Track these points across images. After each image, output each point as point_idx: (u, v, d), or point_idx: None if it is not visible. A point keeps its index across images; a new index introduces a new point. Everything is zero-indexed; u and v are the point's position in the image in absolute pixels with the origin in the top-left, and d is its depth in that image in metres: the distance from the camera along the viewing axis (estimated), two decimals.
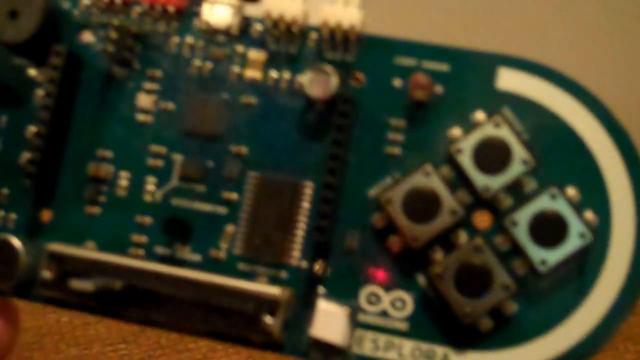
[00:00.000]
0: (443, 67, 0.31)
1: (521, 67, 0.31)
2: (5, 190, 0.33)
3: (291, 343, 0.31)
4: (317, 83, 0.31)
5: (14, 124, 0.33)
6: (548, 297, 0.31)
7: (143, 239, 0.32)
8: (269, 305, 0.30)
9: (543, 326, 0.31)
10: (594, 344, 0.30)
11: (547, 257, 0.30)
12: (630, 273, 0.30)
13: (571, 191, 0.31)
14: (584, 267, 0.31)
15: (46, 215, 0.33)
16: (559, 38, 0.65)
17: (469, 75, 0.31)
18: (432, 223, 0.30)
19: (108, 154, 0.33)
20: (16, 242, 0.31)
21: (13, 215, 0.33)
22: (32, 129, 0.33)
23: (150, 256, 0.32)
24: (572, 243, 0.30)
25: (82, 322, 1.17)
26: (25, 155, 0.32)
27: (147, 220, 0.32)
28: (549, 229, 0.30)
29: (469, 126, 0.31)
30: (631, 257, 0.30)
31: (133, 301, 0.30)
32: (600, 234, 0.30)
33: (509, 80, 0.31)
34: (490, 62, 0.31)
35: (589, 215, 0.30)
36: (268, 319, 0.30)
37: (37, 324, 1.13)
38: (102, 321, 1.18)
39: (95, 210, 0.33)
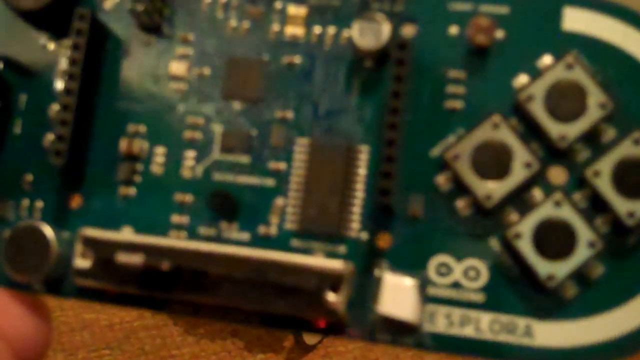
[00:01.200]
0: (502, 9, 0.29)
1: (588, 5, 0.29)
2: (29, 177, 0.30)
3: (356, 323, 0.28)
4: (368, 33, 0.28)
5: (34, 103, 0.30)
6: (638, 255, 0.28)
7: (184, 219, 0.29)
8: (332, 280, 0.27)
9: (633, 289, 0.28)
10: None
11: (636, 209, 0.27)
12: None
13: None
14: None
15: (76, 201, 0.30)
16: None
17: (531, 17, 0.29)
18: (505, 179, 0.27)
19: (141, 128, 0.30)
20: (47, 229, 0.28)
21: (40, 203, 0.30)
22: (55, 107, 0.30)
23: (194, 238, 0.29)
24: None
25: (68, 328, 1.16)
26: (49, 137, 0.30)
27: (188, 198, 0.29)
28: (636, 177, 0.27)
29: (536, 72, 0.28)
30: None
31: (181, 285, 0.27)
32: None
33: (575, 20, 0.28)
34: (554, 2, 0.29)
35: None
36: (331, 296, 0.27)
37: None
38: (88, 328, 1.18)
39: (131, 191, 0.29)
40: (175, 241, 0.28)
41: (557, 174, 0.28)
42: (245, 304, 0.27)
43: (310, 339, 1.15)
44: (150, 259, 0.27)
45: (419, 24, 0.29)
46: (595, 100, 0.27)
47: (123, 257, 0.27)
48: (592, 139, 0.28)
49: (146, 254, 0.27)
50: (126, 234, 0.28)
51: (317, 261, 0.27)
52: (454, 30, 0.29)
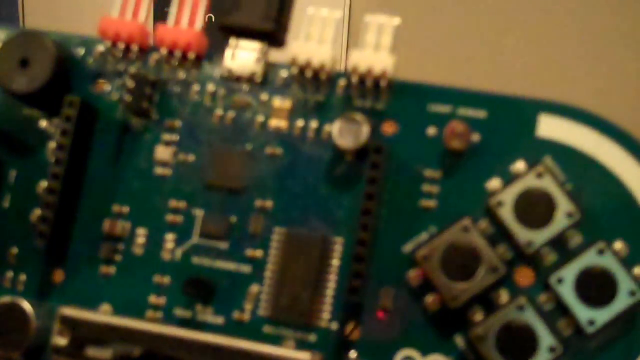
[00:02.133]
0: (480, 114, 0.30)
1: (564, 113, 0.30)
2: (14, 250, 0.31)
3: None
4: (347, 133, 0.29)
5: (24, 179, 0.31)
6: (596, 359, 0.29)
7: (162, 300, 0.30)
8: None
9: None
10: None
11: (595, 317, 0.28)
12: None
13: (619, 245, 0.29)
14: (633, 328, 0.29)
15: (58, 276, 0.31)
16: (601, 84, 0.63)
17: (507, 122, 0.30)
18: (472, 281, 0.29)
19: (125, 209, 0.31)
20: (26, 306, 0.29)
21: (23, 277, 0.31)
22: (43, 184, 0.31)
23: (170, 319, 0.30)
24: (622, 302, 0.28)
25: None
26: (37, 213, 0.31)
27: (166, 280, 0.30)
28: (596, 287, 0.28)
29: (509, 177, 0.29)
30: None
31: None
32: None
33: (550, 127, 0.30)
34: (530, 109, 0.30)
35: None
36: None
37: None
38: None
39: (111, 270, 0.30)
40: (149, 325, 0.29)
41: (524, 276, 0.29)
42: None
43: None
44: (120, 349, 0.28)
45: (399, 123, 0.30)
46: (564, 210, 0.28)
47: (93, 353, 0.28)
48: (559, 243, 0.29)
49: (119, 338, 0.28)
50: (102, 316, 0.29)
51: (285, 353, 0.28)
52: (432, 131, 0.30)
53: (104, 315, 0.29)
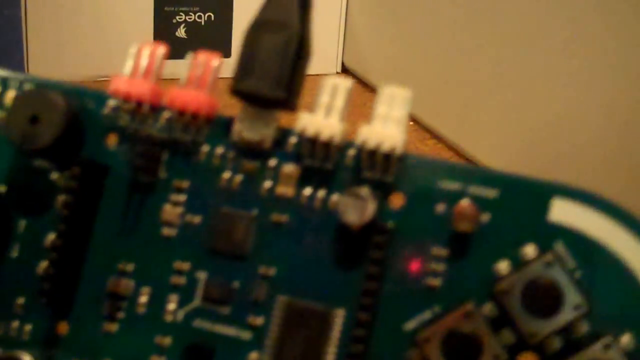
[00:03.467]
0: (491, 193, 0.29)
1: (578, 198, 0.29)
2: (21, 300, 0.31)
3: None
4: (353, 209, 0.28)
5: (33, 230, 0.31)
6: None
7: None
8: None
9: None
10: None
11: None
12: None
13: (626, 339, 0.28)
14: None
15: (63, 328, 0.31)
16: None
17: (519, 203, 0.29)
18: None
19: (129, 267, 0.31)
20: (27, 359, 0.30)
21: (28, 327, 0.31)
22: (51, 236, 0.31)
23: None
24: None
25: None
26: (43, 265, 0.31)
27: (167, 341, 0.30)
28: None
29: (517, 261, 0.28)
30: None
31: None
32: None
33: (563, 211, 0.29)
34: (543, 191, 0.29)
35: None
36: None
37: None
38: None
39: (113, 327, 0.31)
40: None
41: None
42: None
43: None
44: None
45: (407, 196, 0.29)
46: (571, 302, 0.28)
47: None
48: (565, 332, 0.28)
49: None
50: None
51: None
52: (440, 207, 0.29)
53: None
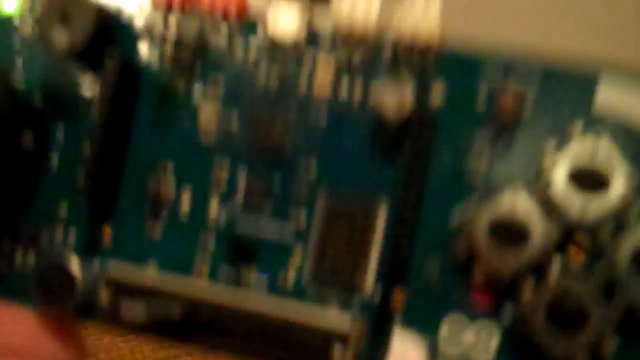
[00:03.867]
0: (532, 84, 0.28)
1: (624, 82, 0.28)
2: (64, 207, 0.31)
3: None
4: (391, 100, 0.28)
5: (71, 137, 0.31)
6: None
7: (206, 261, 0.30)
8: (338, 340, 0.28)
9: None
10: None
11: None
12: None
13: None
14: None
15: (107, 232, 0.31)
16: None
17: (561, 92, 0.28)
18: (520, 252, 0.27)
19: (169, 171, 0.31)
20: (73, 264, 0.30)
21: (73, 232, 0.31)
22: (89, 143, 0.30)
23: (214, 280, 0.30)
24: None
25: None
26: (83, 170, 0.31)
27: (211, 242, 0.30)
28: None
29: (562, 147, 0.28)
30: None
31: (192, 329, 0.29)
32: None
33: (607, 98, 0.28)
34: (586, 78, 0.28)
35: None
36: (337, 355, 0.28)
37: None
38: None
39: (157, 229, 0.30)
40: (191, 289, 0.29)
41: (579, 246, 0.28)
42: (254, 353, 0.29)
43: None
44: (158, 313, 0.28)
45: (447, 90, 0.28)
46: (621, 176, 0.27)
47: (128, 315, 0.28)
48: (616, 213, 0.27)
49: (160, 301, 0.29)
50: (148, 277, 0.29)
51: (326, 320, 0.28)
52: (482, 100, 0.28)
53: (149, 275, 0.30)
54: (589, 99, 0.27)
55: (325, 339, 0.28)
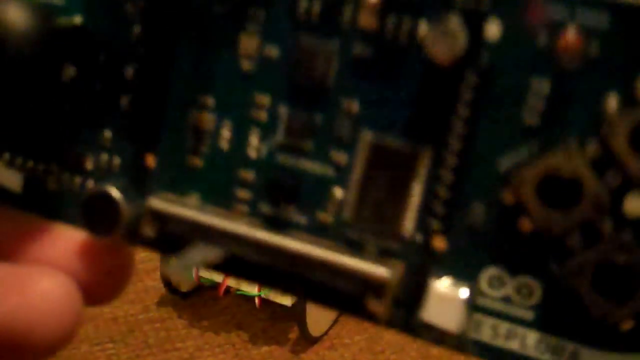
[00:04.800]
0: (602, 21, 0.25)
1: None
2: (108, 133, 0.31)
3: (401, 320, 0.29)
4: (441, 43, 0.25)
5: (114, 61, 0.30)
6: None
7: (247, 195, 0.29)
8: (376, 286, 0.28)
9: None
10: None
11: None
12: None
13: None
14: None
15: (150, 160, 0.31)
16: None
17: (634, 32, 0.25)
18: (570, 211, 0.26)
19: (210, 101, 0.29)
20: (116, 193, 0.30)
21: (117, 159, 0.31)
22: (131, 68, 0.30)
23: (255, 214, 0.29)
24: None
25: None
26: (126, 97, 0.30)
27: (251, 176, 0.29)
28: None
29: (628, 98, 0.25)
30: None
31: (229, 268, 0.29)
32: None
33: None
34: None
35: None
36: (373, 302, 0.28)
37: None
38: (92, 321, 1.20)
39: (198, 161, 0.30)
40: (234, 225, 0.29)
41: (633, 206, 0.26)
42: (290, 293, 0.29)
43: (315, 330, 1.12)
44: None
45: (504, 26, 0.26)
46: None
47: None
48: None
49: (203, 237, 0.29)
50: (190, 211, 0.29)
51: (364, 265, 0.28)
52: (542, 37, 0.25)
53: (192, 206, 0.30)
54: None
55: (362, 284, 0.28)
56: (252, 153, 0.29)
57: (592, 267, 0.26)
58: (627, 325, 0.26)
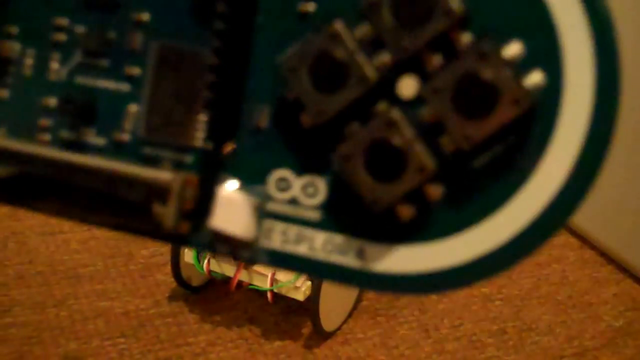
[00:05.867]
0: None
1: None
2: None
3: (195, 235, 0.28)
4: None
5: None
6: (479, 181, 0.25)
7: (49, 122, 0.29)
8: (160, 193, 0.27)
9: (476, 214, 0.25)
10: (534, 237, 0.24)
11: (471, 131, 0.24)
12: (586, 147, 0.24)
13: (514, 48, 0.24)
14: (522, 145, 0.24)
15: None
16: None
17: None
18: (339, 93, 0.25)
19: (13, 30, 0.30)
20: None
21: None
22: None
23: (57, 141, 0.29)
24: (504, 112, 0.24)
25: (81, 317, 1.18)
26: None
27: (52, 101, 0.29)
28: (476, 97, 0.24)
29: None
30: (586, 126, 0.24)
31: (19, 189, 0.28)
32: (548, 101, 0.24)
33: None
34: None
35: (535, 77, 0.24)
36: (158, 208, 0.27)
37: (37, 319, 1.17)
38: (102, 315, 1.20)
39: (3, 93, 0.30)
40: (36, 148, 0.28)
41: (407, 85, 0.26)
42: (78, 210, 0.28)
43: (328, 325, 1.11)
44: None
45: None
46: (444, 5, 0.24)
47: None
48: (447, 45, 0.25)
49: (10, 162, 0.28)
50: None
51: (147, 172, 0.27)
52: None
53: None
54: None
55: (146, 191, 0.27)
56: (53, 77, 0.29)
57: (364, 149, 0.25)
58: (407, 214, 0.25)
